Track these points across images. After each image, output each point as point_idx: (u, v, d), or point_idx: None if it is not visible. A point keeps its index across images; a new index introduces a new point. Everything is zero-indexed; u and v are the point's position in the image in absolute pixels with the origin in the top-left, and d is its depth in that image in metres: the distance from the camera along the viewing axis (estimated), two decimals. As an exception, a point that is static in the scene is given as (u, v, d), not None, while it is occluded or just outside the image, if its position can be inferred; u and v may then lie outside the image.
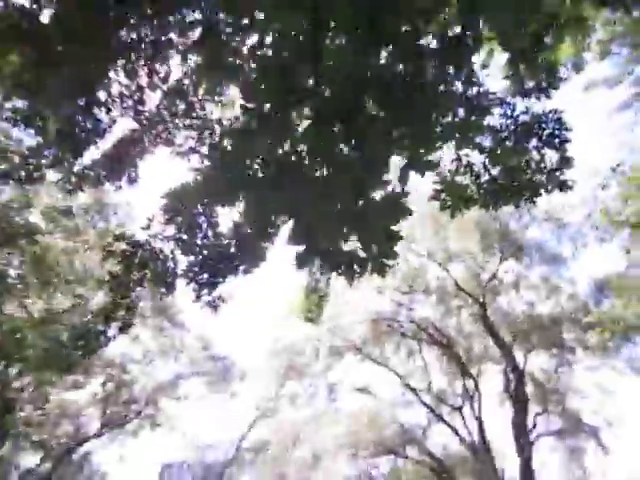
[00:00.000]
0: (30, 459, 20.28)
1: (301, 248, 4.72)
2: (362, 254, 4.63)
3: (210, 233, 6.70)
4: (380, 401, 22.00)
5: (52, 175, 8.79)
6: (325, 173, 4.37)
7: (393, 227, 4.48)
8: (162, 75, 7.43)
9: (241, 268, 6.60)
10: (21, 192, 12.71)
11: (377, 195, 4.57)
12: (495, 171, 5.58)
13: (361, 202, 4.44)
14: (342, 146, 4.54)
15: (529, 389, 19.92)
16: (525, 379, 19.66)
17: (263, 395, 25.23)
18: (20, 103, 6.74)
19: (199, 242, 6.67)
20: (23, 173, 7.08)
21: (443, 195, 5.72)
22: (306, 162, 4.48)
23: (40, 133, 7.08)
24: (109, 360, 24.67)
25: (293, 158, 4.46)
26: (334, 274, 8.07)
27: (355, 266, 4.64)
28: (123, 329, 6.64)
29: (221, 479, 23.96)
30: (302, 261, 4.80)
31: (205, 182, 5.19)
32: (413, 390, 21.88)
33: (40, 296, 14.99)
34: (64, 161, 7.44)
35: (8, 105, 6.78)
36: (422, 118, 6.05)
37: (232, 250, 6.56)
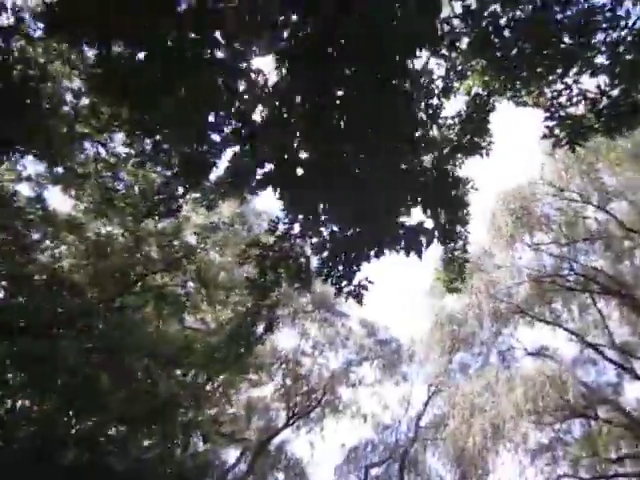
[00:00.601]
0: (231, 454, 22.37)
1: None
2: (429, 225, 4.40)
3: (334, 226, 6.79)
4: (558, 362, 20.63)
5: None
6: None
7: (459, 194, 4.20)
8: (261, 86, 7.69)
9: (372, 254, 6.59)
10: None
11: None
12: (615, 92, 4.94)
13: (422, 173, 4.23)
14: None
15: None
16: None
17: (433, 371, 25.09)
18: (142, 144, 7.48)
19: (326, 237, 6.80)
20: (162, 208, 7.83)
21: (557, 131, 5.20)
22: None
23: (166, 167, 7.81)
24: (283, 357, 26.43)
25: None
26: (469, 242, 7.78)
27: (422, 238, 4.44)
28: (269, 328, 7.04)
29: (405, 458, 24.35)
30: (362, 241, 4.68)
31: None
32: (593, 347, 20.20)
33: (208, 309, 16.57)
34: (193, 187, 8.10)
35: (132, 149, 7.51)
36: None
37: (359, 238, 6.58)
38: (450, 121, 7.84)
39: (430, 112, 7.93)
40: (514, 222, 19.57)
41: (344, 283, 5.91)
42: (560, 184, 18.88)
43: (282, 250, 7.28)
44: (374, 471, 25.85)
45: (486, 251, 21.34)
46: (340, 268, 5.85)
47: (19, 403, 12.85)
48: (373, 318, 27.63)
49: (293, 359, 26.46)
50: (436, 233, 4.39)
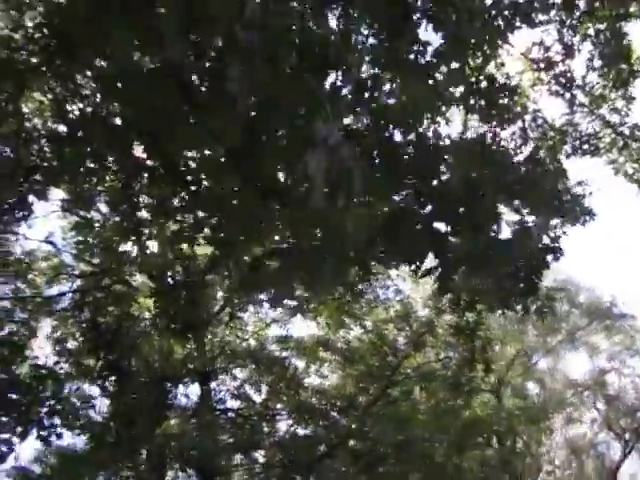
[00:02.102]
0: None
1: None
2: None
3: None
4: None
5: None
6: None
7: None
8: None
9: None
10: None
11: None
12: None
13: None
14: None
15: None
16: None
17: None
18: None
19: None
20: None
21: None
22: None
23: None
24: (581, 384, 23.61)
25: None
26: None
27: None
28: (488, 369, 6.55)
29: None
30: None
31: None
32: None
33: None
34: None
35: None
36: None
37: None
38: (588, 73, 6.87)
39: (562, 80, 7.11)
40: None
41: (529, 300, 5.13)
42: None
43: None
44: None
45: None
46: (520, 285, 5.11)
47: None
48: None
49: (593, 382, 23.54)
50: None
